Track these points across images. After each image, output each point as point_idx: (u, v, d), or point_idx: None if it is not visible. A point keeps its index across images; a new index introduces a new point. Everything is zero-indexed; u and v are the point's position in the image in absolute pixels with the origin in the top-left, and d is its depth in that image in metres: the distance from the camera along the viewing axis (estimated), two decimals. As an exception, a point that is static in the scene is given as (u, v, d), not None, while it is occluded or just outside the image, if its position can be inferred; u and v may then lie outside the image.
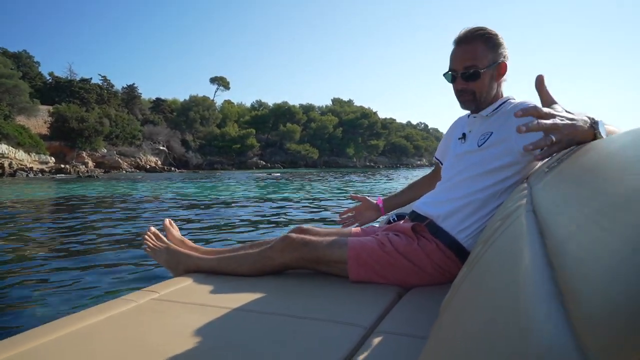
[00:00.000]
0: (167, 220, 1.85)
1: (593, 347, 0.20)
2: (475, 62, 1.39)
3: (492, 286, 0.47)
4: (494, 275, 0.50)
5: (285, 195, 12.13)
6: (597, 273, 0.25)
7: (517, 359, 0.26)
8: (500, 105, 1.45)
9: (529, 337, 0.27)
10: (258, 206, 9.10)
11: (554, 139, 0.88)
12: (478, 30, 1.40)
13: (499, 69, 1.43)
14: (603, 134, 0.95)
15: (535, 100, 1.38)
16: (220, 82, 62.09)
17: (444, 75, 1.46)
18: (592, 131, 0.94)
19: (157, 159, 42.24)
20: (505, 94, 1.50)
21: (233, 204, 9.65)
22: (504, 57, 1.43)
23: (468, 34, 1.40)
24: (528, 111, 0.88)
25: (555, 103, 1.02)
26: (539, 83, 1.06)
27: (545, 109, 0.91)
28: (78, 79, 44.06)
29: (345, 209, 1.94)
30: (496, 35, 1.41)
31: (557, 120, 0.90)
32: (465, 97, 1.45)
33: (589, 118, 0.96)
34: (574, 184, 0.56)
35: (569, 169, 0.68)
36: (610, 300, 0.21)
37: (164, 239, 1.77)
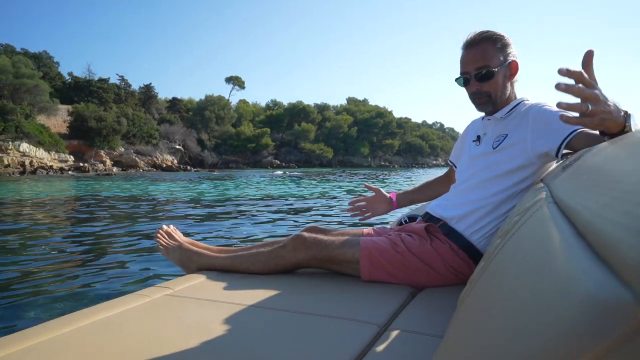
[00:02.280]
0: (170, 226, 1.82)
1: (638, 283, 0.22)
2: (487, 62, 1.38)
3: (520, 266, 0.47)
4: (520, 258, 0.50)
5: (304, 192, 12.16)
6: (632, 232, 0.27)
7: (568, 309, 0.27)
8: (514, 106, 1.43)
9: (577, 288, 0.28)
10: (276, 203, 9.14)
11: (590, 107, 0.87)
12: (484, 32, 1.39)
13: (511, 68, 1.42)
14: (633, 127, 0.94)
15: (551, 102, 1.37)
16: (236, 81, 62.47)
17: (456, 80, 1.45)
18: (623, 122, 0.94)
19: (173, 158, 42.70)
20: (519, 96, 1.48)
21: (249, 202, 9.70)
22: (514, 57, 1.41)
23: (475, 37, 1.39)
24: (574, 74, 0.87)
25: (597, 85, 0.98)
26: (587, 59, 0.95)
27: (590, 80, 0.90)
28: (96, 78, 44.84)
29: (357, 198, 1.91)
30: (503, 36, 1.41)
31: (599, 94, 0.89)
32: (481, 100, 1.43)
33: (622, 110, 0.96)
34: (593, 175, 0.56)
35: (586, 165, 0.68)
36: None
37: (176, 237, 1.78)
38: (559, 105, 0.87)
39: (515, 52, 1.42)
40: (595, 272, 0.28)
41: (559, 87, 0.83)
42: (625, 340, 0.23)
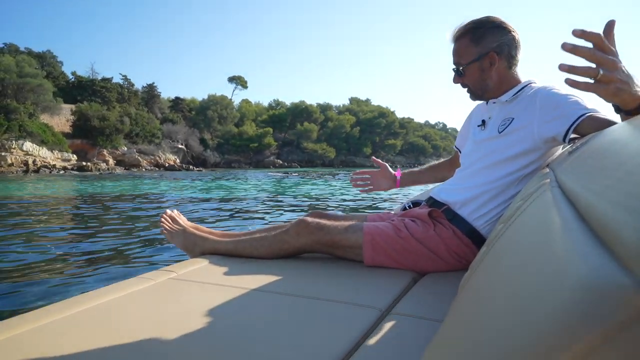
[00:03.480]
0: (174, 211, 1.84)
1: (638, 266, 0.21)
2: (460, 60, 1.44)
3: (521, 249, 0.47)
4: (522, 241, 0.49)
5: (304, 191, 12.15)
6: (633, 213, 0.26)
7: (565, 292, 0.26)
8: (520, 89, 1.42)
9: (574, 271, 0.27)
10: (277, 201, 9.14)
11: (601, 72, 0.80)
12: (464, 27, 1.43)
13: (488, 60, 1.41)
14: None
15: (559, 84, 1.35)
16: (238, 81, 62.50)
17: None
18: (639, 99, 0.88)
19: (175, 157, 42.75)
20: (524, 78, 1.46)
21: (252, 201, 9.71)
22: (495, 47, 1.40)
23: (456, 33, 1.45)
24: (591, 36, 0.80)
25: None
26: (609, 29, 0.89)
27: (610, 46, 0.83)
28: (100, 78, 44.86)
29: (361, 170, 1.94)
30: (483, 25, 1.40)
31: (616, 60, 0.82)
32: (467, 91, 1.50)
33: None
34: (598, 158, 0.55)
35: (593, 148, 0.66)
36: None
37: (181, 221, 1.78)
38: (561, 67, 0.79)
39: (506, 37, 1.40)
40: (594, 256, 0.27)
41: (565, 46, 0.77)
42: (622, 329, 0.21)
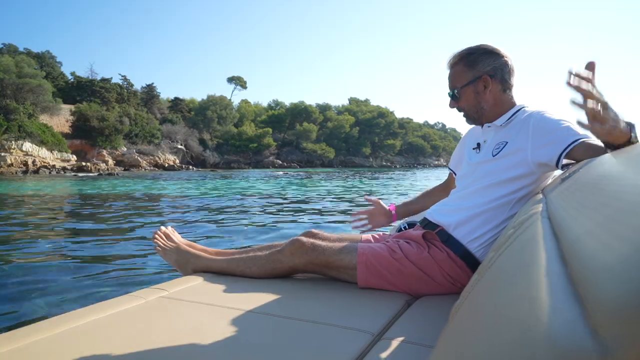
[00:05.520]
0: (169, 227, 1.84)
1: (606, 332, 0.20)
2: (455, 84, 1.47)
3: (505, 286, 0.46)
4: (507, 277, 0.49)
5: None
6: (607, 267, 0.25)
7: (531, 348, 0.26)
8: (514, 114, 1.44)
9: (545, 325, 0.26)
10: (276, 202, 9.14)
11: (600, 111, 0.87)
12: (459, 53, 1.47)
13: (482, 83, 1.44)
14: (638, 138, 0.96)
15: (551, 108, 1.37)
16: (238, 81, 62.54)
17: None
18: (628, 132, 0.95)
19: (175, 157, 42.75)
20: (518, 102, 1.48)
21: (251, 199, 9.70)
22: (488, 71, 1.42)
23: (451, 60, 1.49)
24: (584, 77, 0.89)
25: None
26: (591, 68, 0.96)
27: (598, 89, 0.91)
28: (99, 78, 44.86)
29: (358, 211, 1.94)
30: (476, 51, 1.44)
31: (608, 102, 0.91)
32: (464, 115, 1.52)
33: (624, 120, 0.97)
34: (588, 192, 0.55)
35: (584, 179, 0.67)
36: (620, 290, 0.21)
37: (174, 238, 1.78)
38: (572, 102, 0.88)
39: (499, 62, 1.43)
40: (567, 311, 0.26)
41: (571, 83, 0.84)
42: None
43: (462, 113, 1.52)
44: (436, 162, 72.94)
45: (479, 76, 1.43)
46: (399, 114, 73.88)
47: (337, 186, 15.86)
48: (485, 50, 1.44)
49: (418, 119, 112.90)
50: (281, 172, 32.55)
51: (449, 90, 1.51)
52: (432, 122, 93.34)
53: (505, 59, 1.44)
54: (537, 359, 0.24)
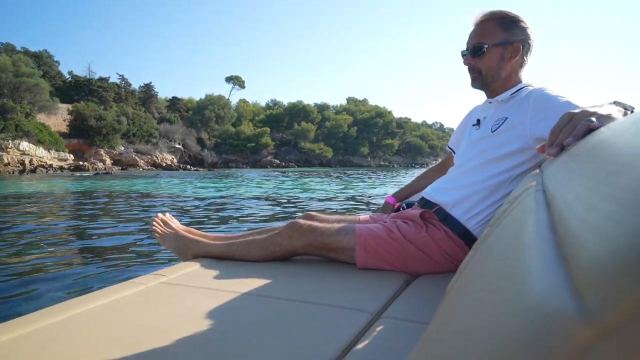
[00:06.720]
0: (166, 214, 1.83)
1: (589, 293, 0.20)
2: (483, 40, 1.41)
3: (497, 259, 0.46)
4: (499, 250, 0.49)
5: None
6: (592, 227, 0.25)
7: (516, 315, 0.26)
8: (517, 90, 1.43)
9: (528, 290, 0.26)
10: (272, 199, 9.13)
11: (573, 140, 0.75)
12: (496, 12, 1.41)
13: (511, 50, 1.41)
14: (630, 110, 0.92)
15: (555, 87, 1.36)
16: (236, 81, 62.45)
17: (461, 53, 1.49)
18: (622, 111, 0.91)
19: (173, 157, 42.67)
20: (525, 81, 1.47)
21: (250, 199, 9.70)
22: (521, 40, 1.41)
23: (484, 16, 1.42)
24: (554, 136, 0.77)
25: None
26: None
27: (566, 119, 0.80)
28: (97, 77, 44.74)
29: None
30: (515, 18, 1.41)
31: (592, 118, 0.78)
32: (474, 74, 1.46)
33: (620, 104, 0.92)
34: (581, 160, 0.55)
35: (578, 150, 0.67)
36: (604, 249, 0.21)
37: (172, 224, 1.78)
38: (567, 143, 0.75)
39: (528, 37, 1.41)
40: (551, 274, 0.26)
41: (549, 153, 0.76)
42: None
43: (472, 75, 1.46)
44: (434, 162, 72.83)
45: (511, 42, 1.40)
46: (397, 114, 74.20)
47: (337, 186, 15.85)
48: (521, 21, 1.41)
49: (416, 118, 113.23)
50: (279, 172, 32.55)
51: (471, 45, 1.42)
52: (430, 122, 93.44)
53: (533, 37, 1.43)
54: (520, 325, 0.24)
